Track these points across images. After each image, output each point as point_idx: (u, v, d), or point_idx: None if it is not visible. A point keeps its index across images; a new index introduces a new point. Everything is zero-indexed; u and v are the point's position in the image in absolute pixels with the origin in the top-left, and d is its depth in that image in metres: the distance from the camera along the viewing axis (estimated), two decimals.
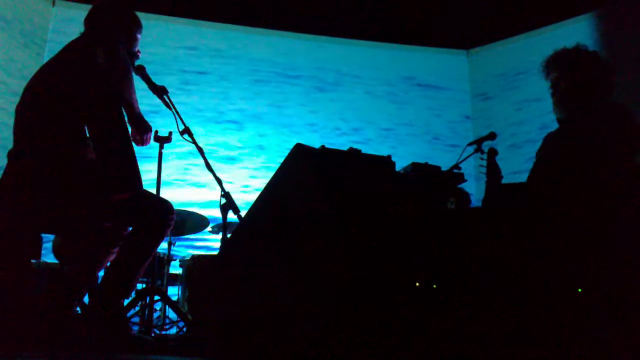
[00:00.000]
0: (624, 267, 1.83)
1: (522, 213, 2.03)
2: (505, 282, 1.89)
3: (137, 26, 2.66)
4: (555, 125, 2.73)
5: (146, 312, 3.58)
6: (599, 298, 1.79)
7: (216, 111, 6.22)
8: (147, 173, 2.92)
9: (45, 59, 5.30)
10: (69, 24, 5.24)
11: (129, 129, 2.48)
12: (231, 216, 3.05)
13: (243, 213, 2.75)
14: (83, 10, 2.65)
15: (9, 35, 5.33)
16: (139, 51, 2.68)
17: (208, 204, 5.58)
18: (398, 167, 2.32)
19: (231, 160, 6.12)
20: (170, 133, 3.24)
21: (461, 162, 2.98)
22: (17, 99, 2.46)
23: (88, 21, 2.57)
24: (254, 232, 2.10)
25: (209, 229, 4.56)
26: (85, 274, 2.47)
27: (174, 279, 4.52)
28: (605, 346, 1.73)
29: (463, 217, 2.22)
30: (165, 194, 3.04)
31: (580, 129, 2.51)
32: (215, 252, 4.91)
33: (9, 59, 5.29)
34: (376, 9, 6.43)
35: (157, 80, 2.84)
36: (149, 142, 2.61)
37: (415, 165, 2.41)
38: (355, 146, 2.21)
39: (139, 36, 2.67)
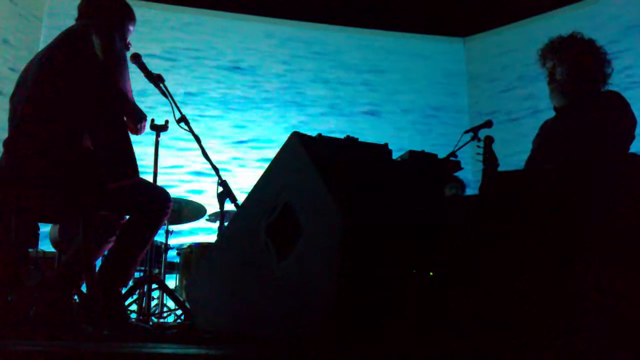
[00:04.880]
0: (625, 256, 1.83)
1: (519, 201, 2.03)
2: (502, 271, 1.89)
3: (130, 17, 2.65)
4: (551, 113, 2.73)
5: (144, 300, 3.59)
6: (598, 286, 1.80)
7: None
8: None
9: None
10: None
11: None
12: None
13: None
14: None
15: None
16: (129, 43, 2.67)
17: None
18: (395, 155, 2.33)
19: None
20: (167, 121, 3.22)
21: (458, 149, 2.99)
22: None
23: (83, 8, 2.55)
24: (251, 220, 2.10)
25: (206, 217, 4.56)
26: (83, 263, 2.47)
27: (171, 268, 4.54)
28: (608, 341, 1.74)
29: (461, 204, 2.22)
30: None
31: (577, 117, 2.51)
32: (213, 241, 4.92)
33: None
34: None
35: None
36: (144, 131, 2.60)
37: (412, 153, 2.41)
38: (350, 134, 2.23)
39: (131, 28, 2.66)
